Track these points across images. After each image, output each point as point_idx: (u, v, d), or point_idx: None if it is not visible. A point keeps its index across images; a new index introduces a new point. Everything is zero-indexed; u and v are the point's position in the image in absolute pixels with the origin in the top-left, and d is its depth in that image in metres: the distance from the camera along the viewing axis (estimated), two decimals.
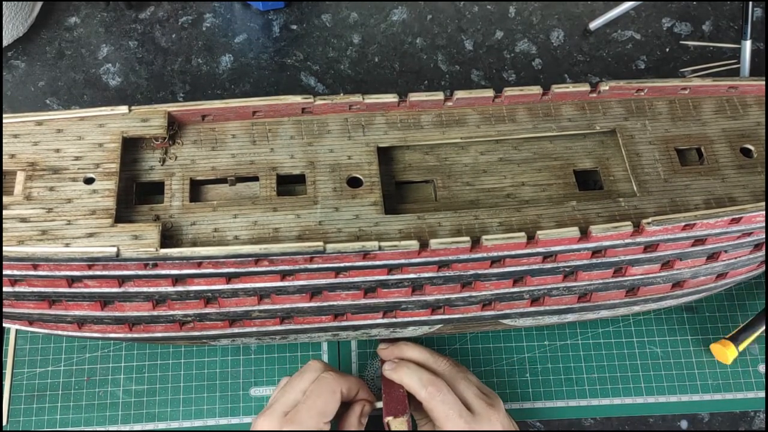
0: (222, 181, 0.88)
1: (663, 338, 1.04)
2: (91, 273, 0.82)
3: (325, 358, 1.02)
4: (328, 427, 0.84)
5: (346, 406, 0.89)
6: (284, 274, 0.84)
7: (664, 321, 1.05)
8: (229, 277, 0.84)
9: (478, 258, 0.84)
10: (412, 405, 0.90)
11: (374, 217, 0.85)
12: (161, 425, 0.98)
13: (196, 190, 0.87)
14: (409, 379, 0.89)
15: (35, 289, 0.85)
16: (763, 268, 1.01)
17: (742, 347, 1.01)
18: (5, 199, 0.82)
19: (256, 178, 0.88)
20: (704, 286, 0.97)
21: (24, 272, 0.82)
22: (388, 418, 0.87)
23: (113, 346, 1.01)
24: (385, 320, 0.93)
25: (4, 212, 0.81)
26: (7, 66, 1.21)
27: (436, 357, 0.93)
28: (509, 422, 0.89)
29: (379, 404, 0.90)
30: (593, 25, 1.27)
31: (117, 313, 0.88)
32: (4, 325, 0.95)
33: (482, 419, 0.87)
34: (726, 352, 1.00)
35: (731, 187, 0.88)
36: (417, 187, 0.91)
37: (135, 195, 0.86)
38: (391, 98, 0.91)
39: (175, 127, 0.89)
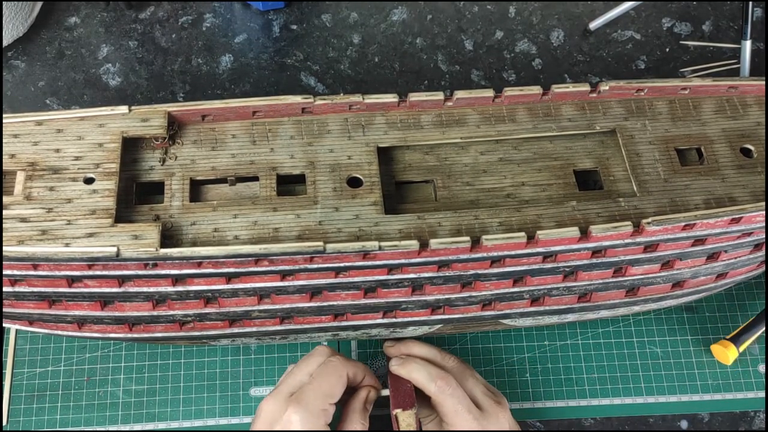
0: (222, 181, 0.88)
1: (663, 338, 1.04)
2: (91, 273, 0.82)
3: None
4: (333, 409, 0.84)
5: (351, 392, 0.89)
6: (284, 274, 0.84)
7: (664, 321, 1.05)
8: (229, 277, 0.84)
9: (478, 258, 0.84)
10: (417, 402, 0.90)
11: (374, 217, 0.84)
12: (161, 425, 0.98)
13: (196, 190, 0.87)
14: (418, 373, 0.89)
15: (35, 289, 0.84)
16: (763, 268, 1.01)
17: (742, 348, 1.01)
18: (5, 199, 0.82)
19: (256, 178, 0.88)
20: (704, 286, 0.97)
21: (24, 272, 0.82)
22: (397, 411, 0.87)
23: (113, 346, 1.01)
24: (385, 320, 0.93)
25: (4, 212, 0.81)
26: (7, 66, 1.21)
27: (443, 354, 0.93)
28: (515, 422, 0.89)
29: (385, 392, 0.90)
30: (593, 25, 1.27)
31: (117, 313, 0.88)
32: (4, 325, 0.95)
33: (491, 417, 0.87)
34: (726, 353, 1.00)
35: (731, 187, 0.88)
36: (417, 187, 0.91)
37: (135, 195, 0.86)
38: (391, 98, 0.91)
39: (175, 127, 0.89)
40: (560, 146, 0.92)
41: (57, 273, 0.82)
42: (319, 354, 0.88)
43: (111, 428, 0.97)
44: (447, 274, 0.86)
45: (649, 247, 0.87)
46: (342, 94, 0.92)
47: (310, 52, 1.24)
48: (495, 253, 0.83)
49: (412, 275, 0.86)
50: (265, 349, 1.02)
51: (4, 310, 0.88)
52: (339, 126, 0.91)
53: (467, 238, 0.81)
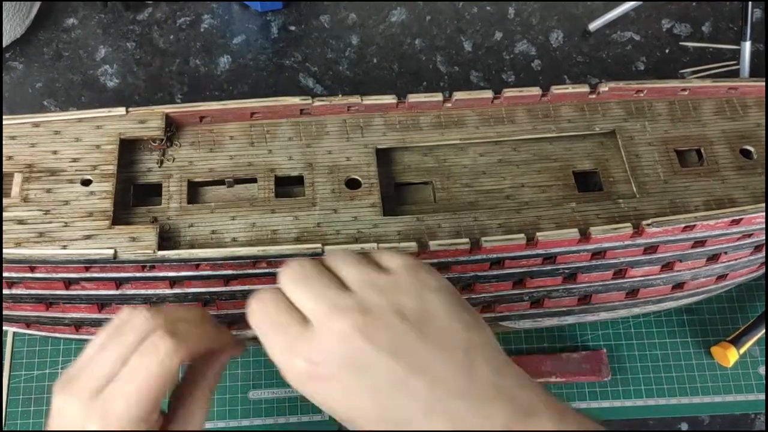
0: (220, 182, 0.88)
1: (663, 340, 1.03)
2: (88, 275, 0.81)
3: None
4: (156, 415, 0.61)
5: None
6: None
7: (663, 323, 1.05)
8: (227, 279, 0.84)
9: (477, 260, 0.83)
10: None
11: (373, 218, 0.84)
12: None
13: (194, 191, 0.87)
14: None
15: (32, 292, 0.84)
16: (763, 270, 1.00)
17: (743, 350, 1.00)
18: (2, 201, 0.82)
19: (254, 180, 0.87)
20: (704, 288, 0.97)
21: (21, 274, 0.81)
22: None
23: None
24: None
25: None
26: (4, 67, 1.20)
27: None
28: (355, 334, 0.57)
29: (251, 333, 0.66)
30: (593, 26, 1.26)
31: (114, 316, 0.87)
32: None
33: (315, 330, 0.59)
34: (727, 355, 0.99)
35: (731, 189, 0.88)
36: (416, 189, 0.90)
37: (132, 197, 0.85)
38: (389, 99, 0.91)
39: (172, 129, 0.89)
40: (560, 147, 0.92)
41: (54, 275, 0.81)
42: (134, 328, 0.62)
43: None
44: (446, 276, 0.85)
45: (649, 248, 0.87)
46: (340, 96, 0.92)
47: (308, 53, 1.24)
48: (494, 255, 0.83)
49: None
50: (263, 352, 1.01)
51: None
52: (337, 127, 0.91)
53: (466, 240, 0.81)
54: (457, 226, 0.84)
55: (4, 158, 0.84)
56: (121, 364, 0.61)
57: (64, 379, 0.63)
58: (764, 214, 0.85)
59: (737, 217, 0.84)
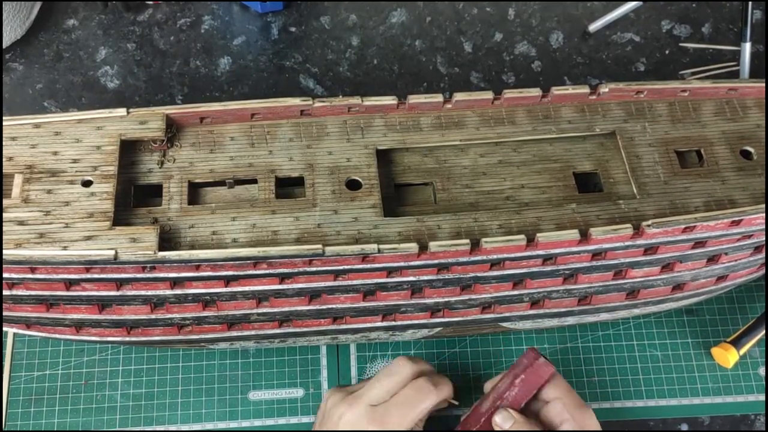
0: (220, 183, 0.88)
1: (663, 341, 1.04)
2: (88, 276, 0.81)
3: (324, 362, 1.01)
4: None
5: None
6: (283, 277, 0.84)
7: (664, 324, 1.05)
8: (228, 280, 0.84)
9: (477, 261, 0.83)
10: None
11: (373, 219, 0.84)
12: (159, 428, 0.97)
13: (195, 192, 0.87)
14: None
15: (33, 293, 0.84)
16: (763, 271, 1.00)
17: (743, 351, 1.00)
18: (3, 202, 0.82)
19: (254, 181, 0.87)
20: (704, 289, 0.97)
21: (22, 275, 0.81)
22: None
23: (111, 349, 1.01)
24: (385, 323, 0.93)
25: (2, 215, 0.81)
26: (5, 68, 1.20)
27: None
28: None
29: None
30: (593, 27, 1.27)
31: (115, 317, 0.88)
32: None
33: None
34: (727, 356, 1.00)
35: (731, 190, 0.88)
36: (416, 190, 0.90)
37: (133, 198, 0.86)
38: (390, 100, 0.91)
39: (173, 130, 0.89)
40: (560, 148, 0.92)
41: (55, 276, 0.81)
42: (402, 371, 0.87)
43: (109, 431, 0.97)
44: (446, 276, 0.86)
45: (649, 249, 0.87)
46: (341, 97, 0.92)
47: (308, 55, 1.24)
48: (494, 256, 0.83)
49: (411, 278, 0.85)
50: (263, 353, 1.01)
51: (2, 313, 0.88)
52: (338, 128, 0.91)
53: (466, 241, 0.81)
54: (458, 227, 0.84)
55: (4, 159, 0.84)
56: (389, 395, 0.85)
57: (350, 397, 0.86)
58: (764, 215, 0.85)
59: (737, 218, 0.84)
